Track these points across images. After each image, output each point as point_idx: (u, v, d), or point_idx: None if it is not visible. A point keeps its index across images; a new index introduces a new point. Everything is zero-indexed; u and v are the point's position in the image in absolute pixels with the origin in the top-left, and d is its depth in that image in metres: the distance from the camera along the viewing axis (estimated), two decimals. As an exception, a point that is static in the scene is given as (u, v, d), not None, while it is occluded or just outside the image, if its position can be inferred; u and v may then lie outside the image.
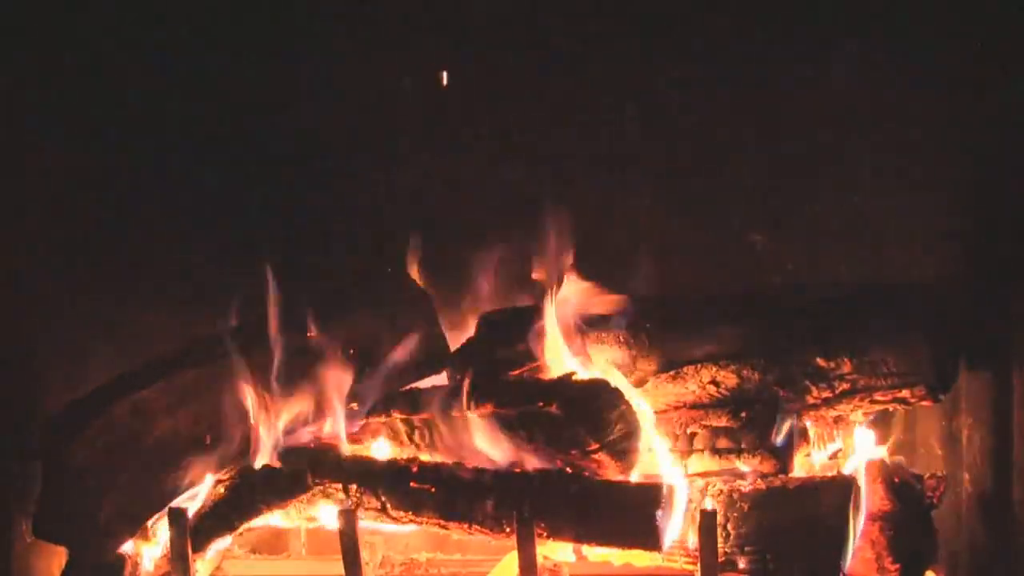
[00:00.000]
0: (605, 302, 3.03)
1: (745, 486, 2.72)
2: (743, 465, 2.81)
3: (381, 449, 2.97)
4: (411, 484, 2.81)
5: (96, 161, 3.26)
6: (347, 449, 2.96)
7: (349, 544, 2.74)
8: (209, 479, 2.89)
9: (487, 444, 2.82)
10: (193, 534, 2.78)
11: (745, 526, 2.67)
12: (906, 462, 2.98)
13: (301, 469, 2.88)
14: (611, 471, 2.74)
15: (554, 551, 2.81)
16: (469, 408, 2.82)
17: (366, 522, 2.85)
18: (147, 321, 3.27)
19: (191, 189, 3.28)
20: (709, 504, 2.67)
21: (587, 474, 2.74)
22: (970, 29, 2.99)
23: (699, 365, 2.91)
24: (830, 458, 3.01)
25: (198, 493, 2.89)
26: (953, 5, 3.03)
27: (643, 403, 2.88)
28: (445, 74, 3.24)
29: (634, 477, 2.78)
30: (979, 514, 3.05)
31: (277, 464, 2.90)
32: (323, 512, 2.92)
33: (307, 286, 3.07)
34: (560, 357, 2.96)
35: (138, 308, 3.28)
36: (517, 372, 2.97)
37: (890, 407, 2.87)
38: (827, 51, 3.10)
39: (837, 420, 2.96)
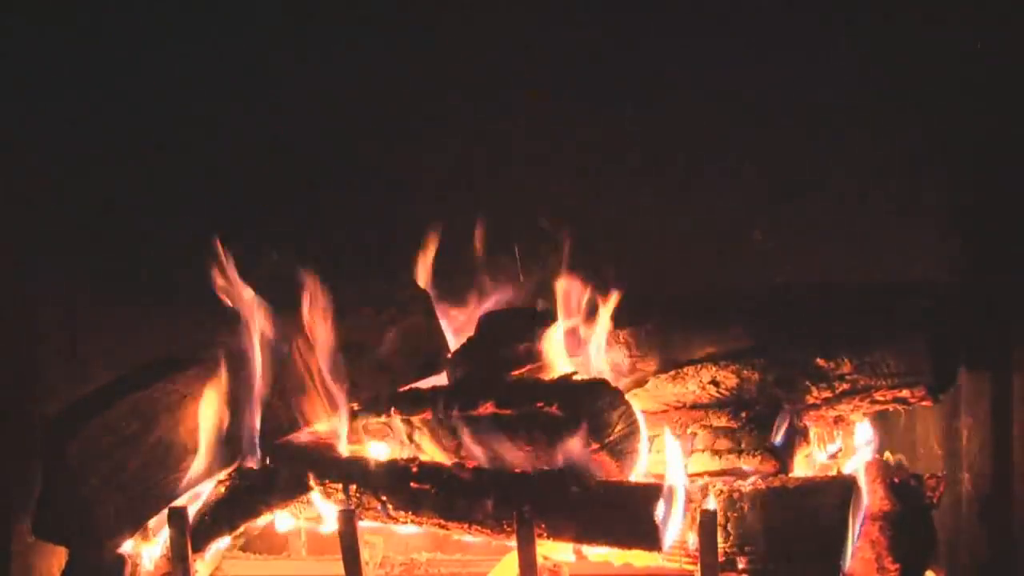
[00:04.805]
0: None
1: (745, 486, 2.72)
2: (743, 465, 2.81)
3: (381, 449, 2.97)
4: (411, 484, 2.81)
5: (96, 161, 3.26)
6: (347, 449, 2.96)
7: (349, 544, 2.74)
8: (209, 479, 2.89)
9: (488, 444, 2.82)
10: (193, 534, 2.78)
11: (745, 526, 2.67)
12: (906, 462, 2.98)
13: (301, 469, 2.88)
14: (611, 471, 2.74)
15: (554, 551, 2.81)
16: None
17: (366, 522, 2.85)
18: (147, 322, 3.27)
19: (192, 189, 3.28)
20: (709, 504, 2.67)
21: (587, 474, 2.74)
22: (970, 27, 2.99)
23: (699, 365, 2.92)
24: (830, 458, 3.01)
25: (198, 493, 2.89)
26: (953, 4, 3.03)
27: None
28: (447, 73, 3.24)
29: (634, 477, 2.78)
30: (979, 514, 3.05)
31: (275, 464, 2.91)
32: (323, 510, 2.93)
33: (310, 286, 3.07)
34: (560, 357, 2.97)
35: (138, 309, 3.28)
36: (517, 372, 2.97)
37: (890, 407, 2.87)
38: (826, 50, 3.10)
39: (837, 420, 2.96)
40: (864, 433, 2.96)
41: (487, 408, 2.82)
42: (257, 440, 2.90)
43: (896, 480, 2.77)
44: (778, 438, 2.80)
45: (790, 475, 2.79)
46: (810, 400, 2.86)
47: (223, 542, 2.93)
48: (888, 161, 3.12)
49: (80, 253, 3.27)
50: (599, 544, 2.72)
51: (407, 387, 3.01)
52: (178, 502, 2.82)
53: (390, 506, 2.82)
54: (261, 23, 3.24)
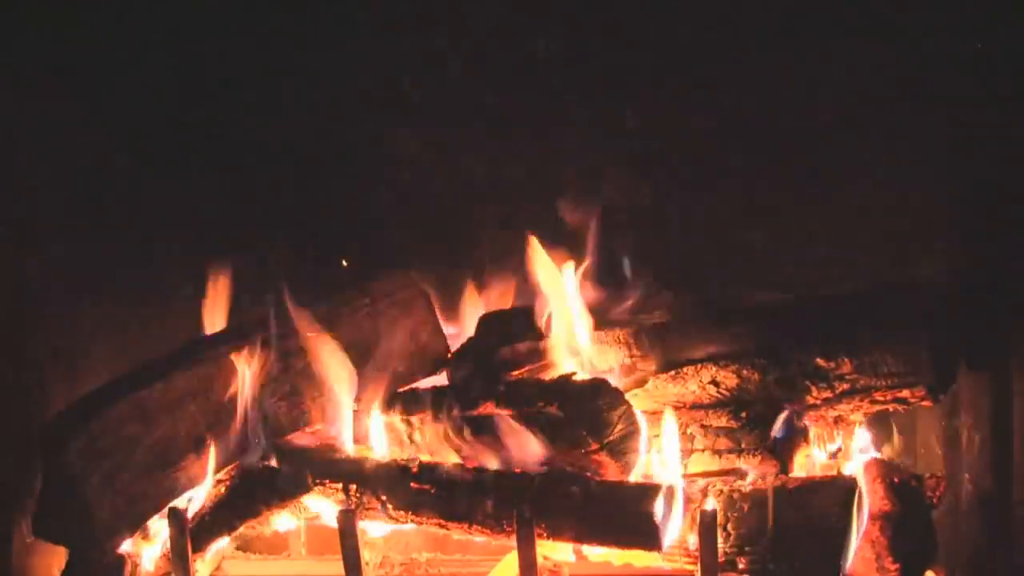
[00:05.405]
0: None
1: (745, 486, 2.72)
2: (743, 465, 2.81)
3: (381, 449, 2.97)
4: (411, 484, 2.81)
5: (96, 161, 3.26)
6: (347, 449, 2.96)
7: (349, 544, 2.74)
8: (209, 479, 2.89)
9: (488, 444, 2.83)
10: (193, 534, 2.78)
11: (745, 526, 2.67)
12: (906, 462, 2.98)
13: (301, 469, 2.88)
14: (612, 471, 2.75)
15: (554, 551, 2.81)
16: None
17: (366, 522, 2.86)
18: (147, 321, 3.27)
19: (191, 189, 3.28)
20: (709, 504, 2.67)
21: (587, 474, 2.75)
22: (971, 27, 2.99)
23: (699, 365, 2.91)
24: (830, 458, 3.01)
25: (198, 493, 2.89)
26: (953, 5, 3.03)
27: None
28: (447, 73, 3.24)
29: (634, 477, 2.78)
30: (979, 514, 3.05)
31: (275, 464, 2.91)
32: (323, 510, 2.93)
33: (308, 286, 3.07)
34: (561, 357, 2.97)
35: (138, 309, 3.28)
36: (518, 372, 2.97)
37: (890, 407, 2.87)
38: (827, 50, 3.10)
39: (837, 420, 2.96)
40: (864, 433, 2.96)
41: (487, 408, 2.82)
42: (259, 440, 2.90)
43: (896, 480, 2.77)
44: (778, 438, 2.80)
45: (790, 475, 2.79)
46: (810, 400, 2.86)
47: (223, 542, 2.93)
48: (888, 161, 3.12)
49: (79, 253, 3.27)
50: (599, 544, 2.73)
51: (407, 387, 3.01)
52: (178, 502, 2.82)
53: (390, 506, 2.83)
54: (259, 20, 3.24)
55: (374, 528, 2.94)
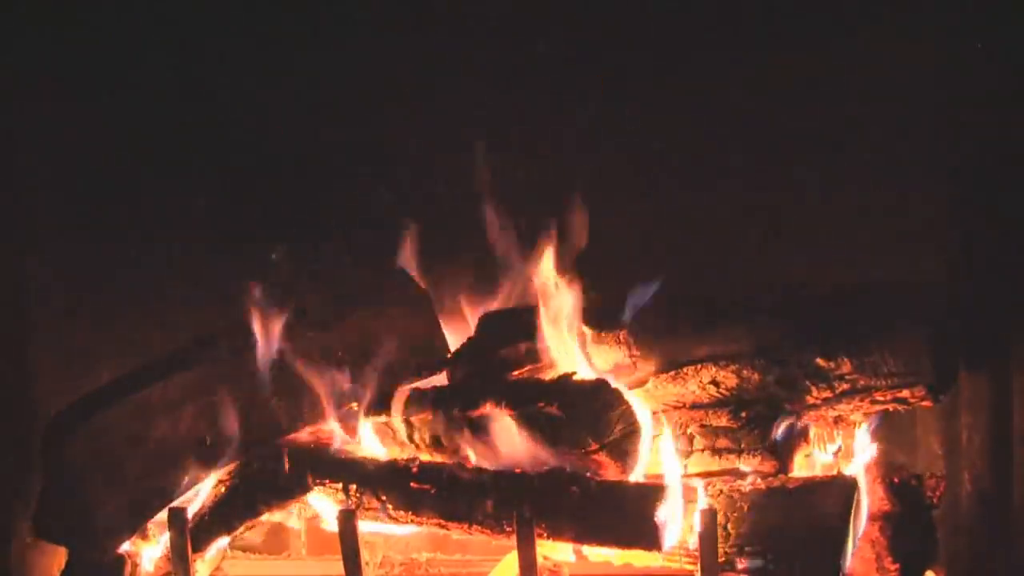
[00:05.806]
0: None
1: (745, 486, 2.72)
2: (743, 465, 2.81)
3: (381, 449, 2.97)
4: (411, 484, 2.81)
5: (96, 161, 3.26)
6: (347, 449, 2.96)
7: (349, 544, 2.74)
8: (209, 479, 2.89)
9: (488, 444, 2.83)
10: (193, 534, 2.78)
11: (745, 526, 2.67)
12: (906, 462, 2.98)
13: (301, 469, 2.88)
14: (611, 471, 2.74)
15: (554, 551, 2.81)
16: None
17: (366, 522, 2.85)
18: (148, 323, 3.27)
19: (192, 189, 3.28)
20: (709, 504, 2.67)
21: (587, 474, 2.74)
22: (971, 27, 2.99)
23: (699, 365, 2.91)
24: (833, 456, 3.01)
25: (198, 493, 2.89)
26: (953, 5, 3.03)
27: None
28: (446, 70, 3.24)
29: (634, 477, 2.78)
30: (979, 514, 3.05)
31: (275, 464, 2.91)
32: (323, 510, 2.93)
33: (308, 286, 3.07)
34: (562, 357, 2.97)
35: (138, 309, 3.28)
36: (518, 372, 2.97)
37: (890, 407, 2.87)
38: (824, 49, 3.10)
39: (837, 420, 2.95)
40: (865, 433, 2.96)
41: (487, 408, 2.82)
42: (259, 440, 2.90)
43: (896, 480, 2.77)
44: (778, 438, 2.80)
45: (790, 475, 2.79)
46: (810, 400, 2.86)
47: (223, 542, 2.93)
48: (887, 160, 3.12)
49: (79, 253, 3.27)
50: (599, 544, 2.73)
51: (407, 387, 3.01)
52: (178, 502, 2.82)
53: (390, 506, 2.83)
54: (259, 20, 3.24)
55: (376, 528, 2.94)
